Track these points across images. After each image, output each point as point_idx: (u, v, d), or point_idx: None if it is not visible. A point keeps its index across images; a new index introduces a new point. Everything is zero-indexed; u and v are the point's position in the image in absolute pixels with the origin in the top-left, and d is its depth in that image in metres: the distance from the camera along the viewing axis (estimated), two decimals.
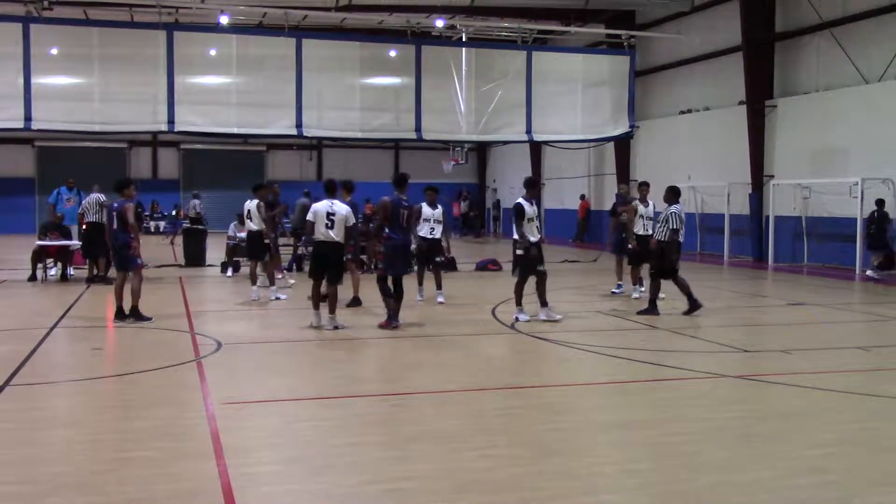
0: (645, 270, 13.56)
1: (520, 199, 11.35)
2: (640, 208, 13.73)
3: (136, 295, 11.31)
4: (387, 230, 10.99)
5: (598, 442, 6.07)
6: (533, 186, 11.77)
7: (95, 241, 15.99)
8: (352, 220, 10.89)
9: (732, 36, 23.34)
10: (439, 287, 13.46)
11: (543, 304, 11.45)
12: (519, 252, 11.36)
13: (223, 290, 15.89)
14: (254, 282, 13.95)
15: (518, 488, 4.92)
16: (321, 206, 10.80)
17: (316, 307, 10.84)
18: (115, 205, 11.40)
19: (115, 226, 11.33)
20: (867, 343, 10.07)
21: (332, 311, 10.79)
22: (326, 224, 10.68)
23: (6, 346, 9.37)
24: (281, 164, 38.84)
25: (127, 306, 11.35)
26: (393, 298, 10.94)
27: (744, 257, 22.91)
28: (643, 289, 13.66)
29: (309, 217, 10.86)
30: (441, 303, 13.20)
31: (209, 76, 19.22)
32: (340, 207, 10.81)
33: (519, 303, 11.47)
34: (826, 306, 13.60)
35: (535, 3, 25.71)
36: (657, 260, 12.58)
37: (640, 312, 12.17)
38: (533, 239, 11.32)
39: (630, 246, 13.85)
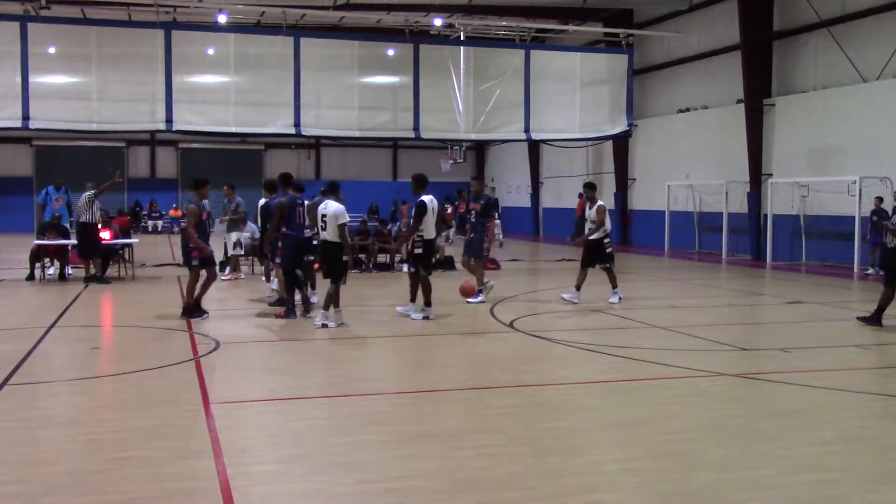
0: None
1: (423, 197, 11.43)
2: (586, 211, 13.49)
3: (189, 293, 11.45)
4: (284, 228, 11.49)
5: (597, 440, 6.07)
6: (424, 184, 11.77)
7: (88, 241, 15.92)
8: (343, 220, 10.86)
9: (730, 34, 23.37)
10: (312, 287, 13.04)
11: (422, 301, 11.49)
12: (418, 251, 11.43)
13: (221, 289, 15.86)
14: (268, 279, 14.00)
15: (517, 487, 4.92)
16: (319, 208, 10.97)
17: (326, 307, 10.89)
18: (190, 204, 11.63)
19: (182, 224, 11.70)
20: (866, 341, 10.07)
21: (326, 307, 10.89)
22: (321, 226, 10.80)
23: (4, 346, 9.36)
24: (279, 163, 38.72)
25: (201, 303, 11.55)
26: (300, 289, 11.50)
27: (742, 256, 22.94)
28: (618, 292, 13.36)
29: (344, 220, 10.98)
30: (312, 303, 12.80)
31: (207, 75, 19.20)
32: (332, 206, 10.85)
33: (428, 302, 11.46)
34: (824, 304, 13.61)
35: (533, 1, 25.67)
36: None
37: (860, 319, 11.21)
38: (430, 236, 11.53)
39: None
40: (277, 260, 11.69)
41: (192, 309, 11.42)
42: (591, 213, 13.27)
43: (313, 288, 13.12)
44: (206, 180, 11.96)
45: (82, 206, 15.88)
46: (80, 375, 8.02)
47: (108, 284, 15.69)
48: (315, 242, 11.87)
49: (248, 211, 17.12)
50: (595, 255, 13.20)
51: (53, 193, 17.77)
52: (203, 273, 11.66)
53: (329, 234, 10.77)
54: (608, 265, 13.28)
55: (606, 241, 13.19)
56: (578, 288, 13.16)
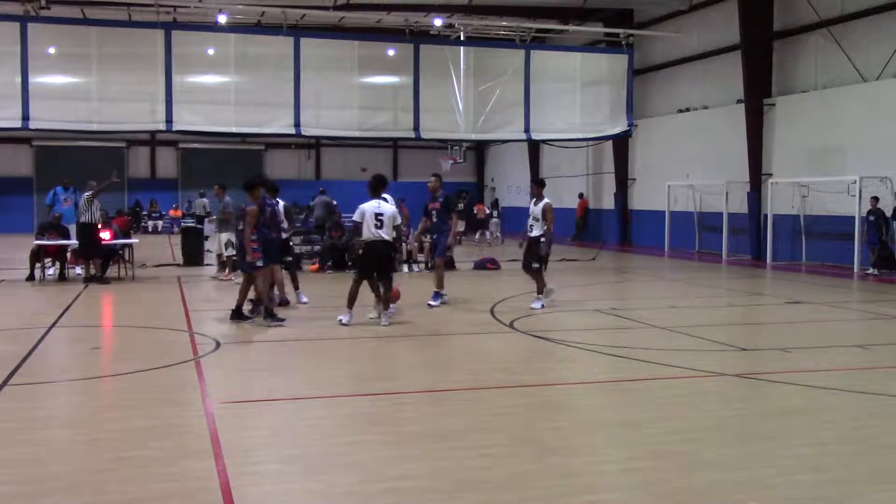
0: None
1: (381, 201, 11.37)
2: (531, 207, 12.98)
3: (261, 294, 11.10)
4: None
5: (598, 440, 6.07)
6: (381, 186, 11.51)
7: (88, 241, 15.92)
8: (398, 220, 11.13)
9: (731, 34, 23.36)
10: (296, 287, 13.27)
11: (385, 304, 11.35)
12: (361, 252, 11.42)
13: (219, 289, 15.86)
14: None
15: (517, 487, 4.92)
16: (369, 207, 10.92)
17: (350, 306, 10.94)
18: (244, 205, 11.25)
19: (240, 226, 11.23)
20: (866, 341, 10.08)
21: (386, 307, 10.99)
22: (375, 224, 10.85)
23: (5, 346, 9.36)
24: (279, 163, 38.85)
25: (244, 306, 11.32)
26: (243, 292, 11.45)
27: (742, 256, 22.93)
28: (543, 297, 12.72)
29: (356, 217, 10.94)
30: (304, 302, 12.94)
31: (207, 75, 19.21)
32: (388, 207, 10.99)
33: (351, 304, 11.14)
34: (825, 304, 13.61)
35: (533, 1, 25.70)
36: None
37: None
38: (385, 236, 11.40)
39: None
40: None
41: (269, 312, 11.04)
42: (535, 210, 12.74)
43: (296, 288, 13.24)
44: (257, 182, 11.55)
45: (82, 206, 15.92)
46: (80, 376, 8.02)
47: (108, 285, 15.69)
48: (292, 244, 11.84)
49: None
50: (528, 254, 12.71)
51: (62, 194, 17.81)
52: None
53: (386, 233, 10.89)
54: (539, 266, 12.72)
55: (543, 240, 12.57)
56: (541, 292, 12.74)
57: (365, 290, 11.33)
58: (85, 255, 16.12)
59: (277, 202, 12.29)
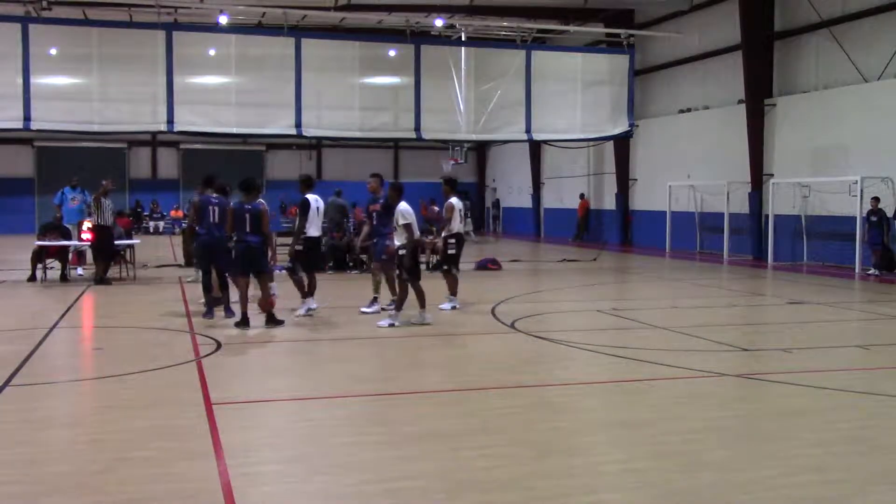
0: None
1: (307, 196, 11.55)
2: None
3: (268, 302, 10.88)
4: (197, 228, 11.65)
5: (598, 441, 6.07)
6: (310, 185, 11.85)
7: (96, 242, 15.96)
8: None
9: (732, 35, 23.36)
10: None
11: (309, 295, 11.66)
12: (299, 248, 11.50)
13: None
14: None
15: (517, 487, 4.92)
16: (409, 207, 11.11)
17: (424, 305, 11.14)
18: (248, 206, 10.60)
19: (247, 228, 10.55)
20: (867, 342, 10.08)
21: (422, 305, 11.06)
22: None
23: (6, 346, 9.37)
24: (280, 163, 38.86)
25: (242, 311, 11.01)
26: (210, 292, 11.60)
27: (743, 256, 22.93)
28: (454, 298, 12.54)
29: (410, 219, 10.95)
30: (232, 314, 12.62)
31: (208, 76, 19.24)
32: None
33: (310, 294, 11.63)
34: (826, 305, 13.61)
35: (534, 2, 25.71)
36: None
37: None
38: (315, 233, 11.56)
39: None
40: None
41: (270, 315, 10.83)
42: (444, 211, 12.75)
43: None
44: (206, 181, 11.75)
45: (92, 208, 16.00)
46: (81, 376, 8.03)
47: (110, 285, 15.70)
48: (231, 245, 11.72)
49: None
50: (442, 256, 12.59)
51: (69, 193, 17.87)
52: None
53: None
54: (448, 267, 12.49)
55: (451, 241, 12.39)
56: (454, 294, 12.55)
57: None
58: (95, 256, 16.16)
59: (261, 203, 11.37)
